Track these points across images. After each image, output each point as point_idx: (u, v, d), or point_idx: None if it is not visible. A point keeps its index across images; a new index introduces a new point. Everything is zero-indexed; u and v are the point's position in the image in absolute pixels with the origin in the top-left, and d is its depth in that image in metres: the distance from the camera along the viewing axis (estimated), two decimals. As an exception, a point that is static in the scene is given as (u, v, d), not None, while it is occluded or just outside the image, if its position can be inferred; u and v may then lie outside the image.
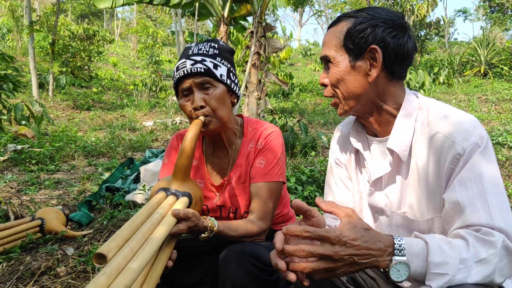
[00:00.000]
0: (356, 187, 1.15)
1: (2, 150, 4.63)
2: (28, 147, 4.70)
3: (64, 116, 9.16)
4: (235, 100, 1.38)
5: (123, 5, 7.44)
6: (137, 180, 3.34)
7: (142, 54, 15.60)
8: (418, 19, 14.52)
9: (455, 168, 0.90)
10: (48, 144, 5.13)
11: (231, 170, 1.38)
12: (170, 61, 20.94)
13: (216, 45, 1.32)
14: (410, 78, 11.64)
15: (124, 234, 0.86)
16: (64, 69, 12.25)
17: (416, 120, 0.99)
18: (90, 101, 11.42)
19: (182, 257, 1.25)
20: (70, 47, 11.61)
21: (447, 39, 22.39)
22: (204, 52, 1.28)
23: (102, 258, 0.75)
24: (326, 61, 1.03)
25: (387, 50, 0.95)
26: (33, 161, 4.49)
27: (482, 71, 13.47)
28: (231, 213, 1.39)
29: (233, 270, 1.11)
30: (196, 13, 8.90)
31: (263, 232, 1.29)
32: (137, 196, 2.90)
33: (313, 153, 4.57)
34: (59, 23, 11.45)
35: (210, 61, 1.26)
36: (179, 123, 8.20)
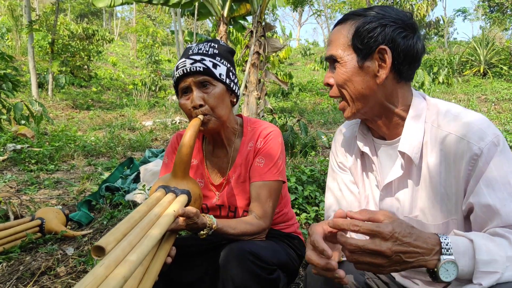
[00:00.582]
0: (362, 192, 1.12)
1: (2, 149, 4.63)
2: (28, 147, 4.69)
3: (64, 116, 9.15)
4: (235, 100, 1.38)
5: (122, 4, 7.43)
6: (137, 179, 3.34)
7: (142, 53, 15.60)
8: (417, 18, 14.53)
9: (474, 169, 0.88)
10: (47, 143, 5.12)
11: (231, 169, 1.39)
12: (169, 61, 20.93)
13: (216, 45, 1.33)
14: (409, 78, 11.62)
15: (122, 228, 0.87)
16: (63, 69, 12.24)
17: (426, 121, 0.97)
18: (90, 100, 11.41)
19: (181, 255, 1.26)
20: (69, 47, 11.60)
21: (447, 39, 22.40)
22: (204, 51, 1.29)
23: (101, 251, 0.76)
24: (332, 61, 0.99)
25: (396, 50, 0.93)
26: (33, 161, 4.48)
27: (481, 71, 13.47)
28: (230, 212, 1.39)
29: (233, 268, 1.10)
30: (196, 12, 8.89)
31: (263, 231, 1.29)
32: (137, 196, 2.90)
33: (313, 152, 4.57)
34: (59, 23, 11.43)
35: (210, 61, 1.27)
36: (179, 122, 8.20)
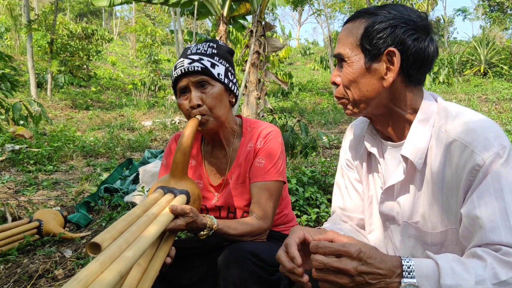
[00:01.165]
0: (366, 191, 1.10)
1: (0, 150, 4.60)
2: (26, 147, 4.67)
3: (63, 116, 9.13)
4: (234, 100, 1.37)
5: (121, 3, 7.41)
6: (136, 181, 3.32)
7: (141, 53, 15.60)
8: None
9: (474, 180, 0.84)
10: (46, 144, 5.09)
11: (230, 170, 1.38)
12: (169, 60, 20.91)
13: (215, 45, 1.33)
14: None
15: (119, 226, 0.86)
16: (62, 68, 12.22)
17: (433, 125, 0.93)
18: (89, 100, 11.39)
19: (181, 257, 1.25)
20: (68, 46, 11.58)
21: (447, 38, 22.38)
22: (202, 51, 1.29)
23: (97, 248, 0.76)
24: (340, 59, 0.96)
25: (406, 53, 0.89)
26: (31, 162, 4.45)
27: (482, 70, 13.47)
28: (230, 214, 1.38)
29: (234, 269, 1.09)
30: (195, 12, 8.87)
31: (263, 231, 1.28)
32: (136, 197, 2.87)
33: (314, 153, 4.54)
34: (58, 22, 11.40)
35: (208, 60, 1.27)
36: (178, 122, 8.18)
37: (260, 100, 6.86)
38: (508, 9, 19.71)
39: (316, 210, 2.54)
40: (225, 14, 7.30)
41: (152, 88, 13.57)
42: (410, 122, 0.96)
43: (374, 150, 1.05)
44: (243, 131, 1.40)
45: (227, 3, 7.22)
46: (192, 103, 1.24)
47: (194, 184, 1.21)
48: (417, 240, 0.97)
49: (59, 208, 2.82)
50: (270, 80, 7.45)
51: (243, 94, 6.85)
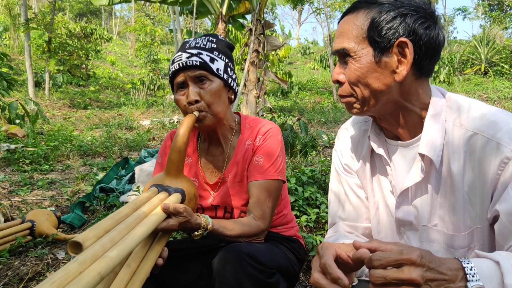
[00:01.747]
0: (371, 198, 1.03)
1: (-5, 149, 4.54)
2: (22, 147, 4.61)
3: (61, 115, 9.09)
4: (233, 96, 1.33)
5: (120, 2, 7.37)
6: (132, 180, 3.26)
7: (140, 52, 15.56)
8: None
9: (504, 174, 0.78)
10: (43, 143, 5.04)
11: (226, 168, 1.33)
12: (168, 60, 20.86)
13: (214, 40, 1.29)
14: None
15: (105, 224, 0.81)
16: (61, 68, 12.17)
17: (446, 120, 0.88)
18: (87, 100, 11.36)
19: (176, 258, 1.22)
20: (66, 45, 11.52)
21: (447, 38, 22.36)
22: (201, 45, 1.25)
23: (78, 247, 0.71)
24: (343, 55, 0.88)
25: (418, 43, 0.83)
26: (27, 161, 4.40)
27: (482, 69, 13.45)
28: (227, 213, 1.34)
29: (230, 271, 1.04)
30: (194, 11, 8.82)
31: (261, 232, 1.24)
32: (132, 197, 2.82)
33: (314, 152, 4.48)
34: (56, 21, 11.36)
35: (207, 55, 1.23)
36: (177, 122, 8.13)
37: (260, 99, 6.81)
38: (508, 8, 19.69)
39: (316, 210, 2.49)
40: (224, 13, 7.25)
41: (151, 87, 13.55)
42: (421, 118, 0.90)
43: (381, 151, 0.97)
44: (241, 128, 1.36)
45: (226, 1, 7.18)
46: (190, 98, 1.20)
47: (190, 182, 1.16)
48: (440, 245, 0.90)
49: (53, 209, 2.77)
50: (269, 79, 7.40)
51: (242, 93, 6.80)
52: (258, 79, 6.86)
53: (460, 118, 0.86)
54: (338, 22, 0.93)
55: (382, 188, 1.00)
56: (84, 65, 13.74)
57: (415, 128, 0.91)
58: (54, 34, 10.80)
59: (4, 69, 6.32)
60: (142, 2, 7.83)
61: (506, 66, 13.07)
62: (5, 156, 4.39)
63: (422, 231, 0.92)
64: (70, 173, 4.17)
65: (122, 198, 2.89)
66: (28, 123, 5.83)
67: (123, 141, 5.89)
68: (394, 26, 0.83)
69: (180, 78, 1.22)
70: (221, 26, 7.29)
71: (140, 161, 3.67)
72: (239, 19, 9.11)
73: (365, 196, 1.05)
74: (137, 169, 3.12)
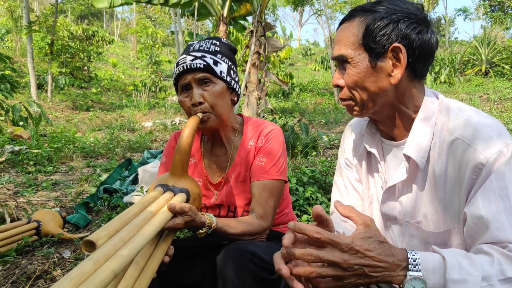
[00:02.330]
0: (366, 191, 1.08)
1: (0, 151, 4.59)
2: (26, 148, 4.66)
3: (63, 117, 9.14)
4: (235, 98, 1.36)
5: (121, 4, 7.41)
6: (135, 181, 3.30)
7: (142, 54, 15.63)
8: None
9: (477, 179, 0.82)
10: (46, 145, 5.08)
11: (230, 168, 1.36)
12: (169, 61, 20.93)
13: (218, 43, 1.32)
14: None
15: (115, 224, 0.84)
16: (63, 70, 12.23)
17: (436, 123, 0.92)
18: (89, 101, 11.40)
19: (180, 256, 1.24)
20: (68, 47, 11.58)
21: (448, 38, 22.37)
22: (205, 48, 1.28)
23: (92, 246, 0.74)
24: (342, 61, 0.93)
25: (411, 48, 0.87)
26: (31, 163, 4.44)
27: (483, 70, 13.45)
28: (230, 212, 1.37)
29: (233, 269, 1.07)
30: (196, 13, 8.87)
31: (263, 231, 1.26)
32: (135, 198, 2.86)
33: (314, 153, 4.52)
34: (58, 24, 11.42)
35: (210, 58, 1.26)
36: (179, 123, 8.17)
37: (261, 101, 6.84)
38: (509, 9, 19.68)
39: (317, 210, 2.52)
40: (225, 15, 7.29)
41: (153, 89, 13.59)
42: (413, 120, 0.95)
43: (373, 150, 1.03)
44: (244, 129, 1.39)
45: (227, 3, 7.22)
46: (194, 100, 1.23)
47: (194, 182, 1.19)
48: (419, 240, 0.95)
49: (58, 209, 2.81)
50: (270, 80, 7.43)
51: (244, 95, 6.83)
52: (259, 80, 6.90)
53: (448, 122, 0.90)
54: (337, 30, 0.98)
55: (375, 184, 1.05)
56: (86, 67, 13.79)
57: (407, 129, 0.96)
58: (56, 37, 10.86)
59: (7, 72, 6.38)
60: (144, 4, 7.88)
61: (507, 67, 13.06)
62: (10, 157, 4.43)
63: (405, 226, 0.97)
64: (74, 174, 4.21)
65: (126, 198, 2.93)
66: (32, 125, 5.89)
67: (126, 142, 5.92)
68: (387, 32, 0.87)
69: (184, 80, 1.26)
70: (222, 28, 7.33)
71: (143, 162, 3.71)
72: (240, 21, 9.15)
73: (362, 190, 1.11)
74: (140, 170, 3.16)
